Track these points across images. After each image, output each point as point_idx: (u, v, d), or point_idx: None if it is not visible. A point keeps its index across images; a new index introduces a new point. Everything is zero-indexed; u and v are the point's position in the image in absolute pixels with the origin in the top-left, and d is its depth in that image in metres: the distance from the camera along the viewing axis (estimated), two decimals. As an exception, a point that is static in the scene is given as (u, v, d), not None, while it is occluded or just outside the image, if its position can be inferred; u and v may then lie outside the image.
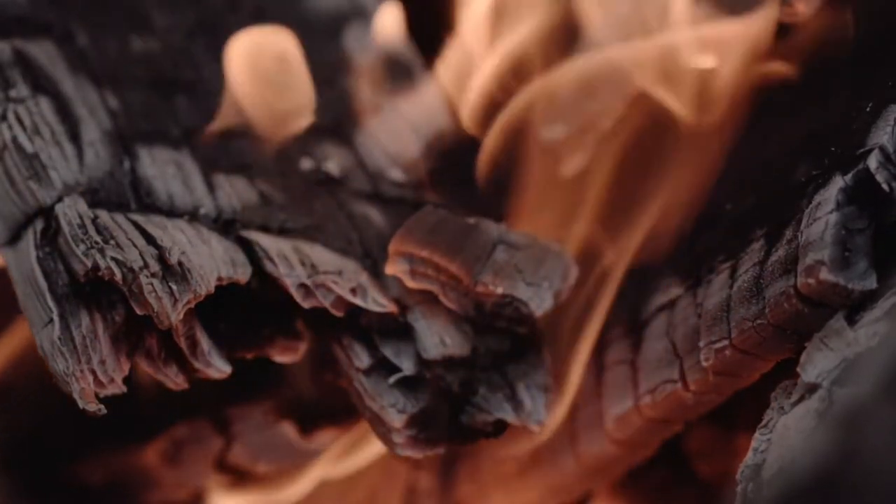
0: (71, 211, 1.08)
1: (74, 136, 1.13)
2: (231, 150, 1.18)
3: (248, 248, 1.11)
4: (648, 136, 1.20)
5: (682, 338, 1.10)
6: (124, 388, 1.06)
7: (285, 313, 1.13)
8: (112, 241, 1.07)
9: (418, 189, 1.21)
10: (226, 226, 1.13)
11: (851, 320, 0.99)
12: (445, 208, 1.16)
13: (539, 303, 1.12)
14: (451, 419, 1.12)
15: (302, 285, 1.11)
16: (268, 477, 1.22)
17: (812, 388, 0.99)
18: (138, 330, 1.07)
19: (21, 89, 1.14)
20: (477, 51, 1.24)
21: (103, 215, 1.09)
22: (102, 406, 1.05)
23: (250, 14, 1.25)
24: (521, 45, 1.23)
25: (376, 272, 1.14)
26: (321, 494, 1.26)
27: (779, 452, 0.98)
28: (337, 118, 1.23)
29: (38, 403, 1.27)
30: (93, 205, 1.10)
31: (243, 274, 1.09)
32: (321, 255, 1.13)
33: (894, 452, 0.77)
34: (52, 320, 1.06)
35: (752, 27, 1.15)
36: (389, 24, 1.28)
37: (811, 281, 1.00)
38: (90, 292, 1.06)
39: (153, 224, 1.10)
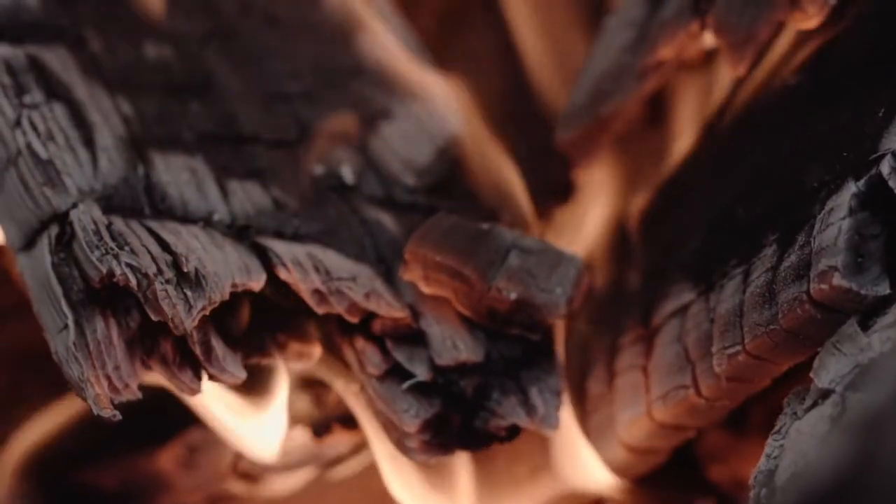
0: (85, 217, 1.09)
1: (88, 142, 1.13)
2: (244, 156, 1.18)
3: (262, 254, 1.11)
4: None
5: (695, 343, 1.10)
6: (139, 394, 1.06)
7: (299, 319, 1.13)
8: (127, 247, 1.07)
9: (431, 194, 1.21)
10: (240, 232, 1.13)
11: (865, 325, 0.99)
12: (458, 213, 1.16)
13: (552, 308, 1.12)
14: (465, 424, 1.12)
15: (316, 291, 1.11)
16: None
17: (825, 394, 0.98)
18: (153, 335, 1.08)
19: (35, 95, 1.14)
20: None
21: (118, 221, 1.09)
22: (117, 412, 1.05)
23: (263, 20, 1.25)
24: None
25: (390, 278, 1.14)
26: (329, 494, 1.26)
27: (792, 458, 0.98)
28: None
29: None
30: (107, 211, 1.10)
31: (257, 280, 1.09)
32: (335, 261, 1.13)
33: (910, 458, 0.77)
34: (66, 326, 1.06)
35: None
36: (401, 29, 1.28)
37: (824, 286, 1.00)
38: (105, 298, 1.07)
39: (167, 230, 1.10)
